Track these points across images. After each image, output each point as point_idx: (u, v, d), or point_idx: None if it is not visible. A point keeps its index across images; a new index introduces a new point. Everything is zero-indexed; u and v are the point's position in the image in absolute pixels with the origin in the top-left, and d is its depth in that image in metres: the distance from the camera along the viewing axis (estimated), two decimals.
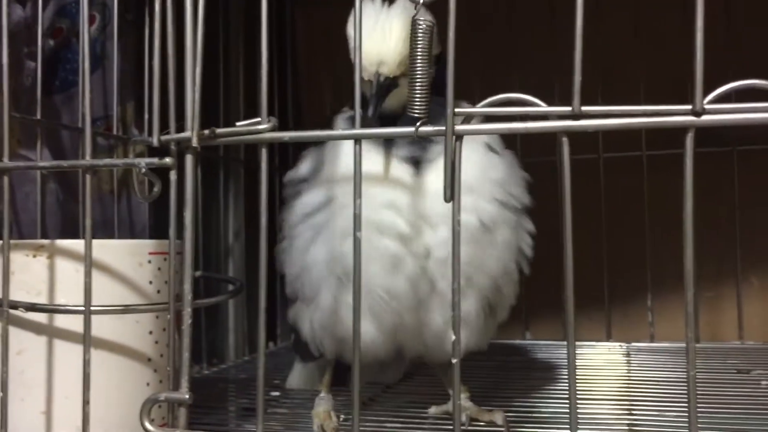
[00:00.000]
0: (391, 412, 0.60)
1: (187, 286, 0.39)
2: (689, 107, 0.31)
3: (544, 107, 0.33)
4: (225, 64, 0.89)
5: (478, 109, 0.34)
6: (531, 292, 0.69)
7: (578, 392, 0.35)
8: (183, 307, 0.39)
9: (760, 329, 0.89)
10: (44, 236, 0.61)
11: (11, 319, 0.46)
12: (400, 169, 0.49)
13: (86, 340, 0.41)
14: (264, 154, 0.38)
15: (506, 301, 0.55)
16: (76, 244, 0.48)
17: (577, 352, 0.39)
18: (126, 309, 0.48)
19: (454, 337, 0.35)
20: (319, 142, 0.51)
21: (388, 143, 0.49)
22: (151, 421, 0.39)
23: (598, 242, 0.90)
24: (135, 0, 0.74)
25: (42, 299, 0.47)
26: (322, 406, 0.57)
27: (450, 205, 0.36)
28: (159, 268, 0.50)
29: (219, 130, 0.38)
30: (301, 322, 0.55)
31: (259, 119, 0.38)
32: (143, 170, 0.41)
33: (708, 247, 0.87)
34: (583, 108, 0.32)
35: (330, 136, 0.37)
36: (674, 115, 0.31)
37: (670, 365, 0.76)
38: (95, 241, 0.45)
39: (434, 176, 0.48)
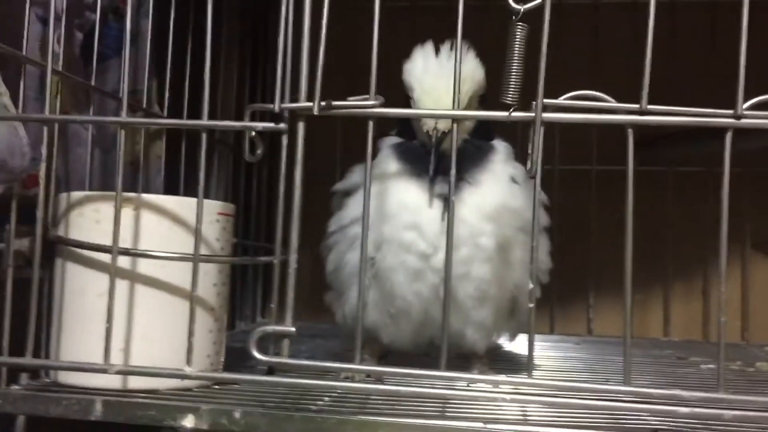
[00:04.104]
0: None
1: (294, 235, 0.45)
2: (731, 111, 0.41)
3: (614, 103, 0.42)
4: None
5: (562, 101, 0.42)
6: None
7: None
8: (287, 255, 0.45)
9: (680, 327, 1.04)
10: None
11: (99, 263, 0.51)
12: (431, 201, 0.57)
13: (194, 285, 0.47)
14: (371, 127, 0.45)
15: (524, 308, 0.60)
16: (159, 199, 0.52)
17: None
18: (210, 258, 0.53)
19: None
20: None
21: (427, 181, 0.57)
22: (258, 350, 0.45)
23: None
24: None
25: (127, 246, 0.51)
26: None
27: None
28: (224, 228, 0.56)
29: (334, 103, 0.44)
30: (334, 307, 0.65)
31: (367, 96, 0.45)
32: (253, 133, 0.47)
33: (641, 255, 0.98)
34: (649, 106, 0.41)
35: (427, 115, 0.45)
36: (718, 117, 0.41)
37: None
38: (177, 198, 0.51)
39: (462, 207, 0.56)
